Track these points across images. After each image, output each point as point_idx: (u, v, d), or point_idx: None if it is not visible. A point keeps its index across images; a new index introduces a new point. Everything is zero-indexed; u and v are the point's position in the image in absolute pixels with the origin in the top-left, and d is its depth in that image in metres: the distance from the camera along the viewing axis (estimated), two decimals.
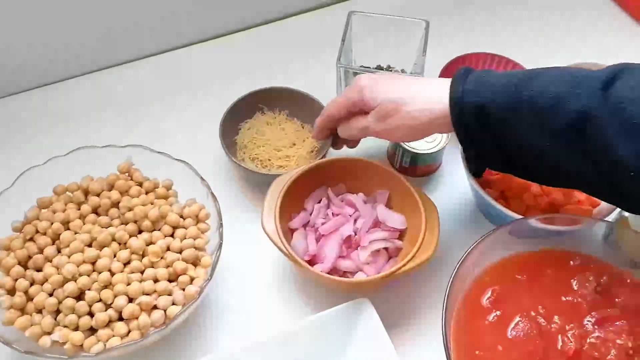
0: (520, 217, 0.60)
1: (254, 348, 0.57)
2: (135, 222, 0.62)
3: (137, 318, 0.56)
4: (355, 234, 0.64)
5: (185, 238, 0.61)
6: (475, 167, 0.61)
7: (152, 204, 0.64)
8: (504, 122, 0.50)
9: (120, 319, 0.56)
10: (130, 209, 0.62)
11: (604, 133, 0.45)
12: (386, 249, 0.64)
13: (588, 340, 0.51)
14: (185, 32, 0.88)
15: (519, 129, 0.50)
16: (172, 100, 0.83)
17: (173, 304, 0.57)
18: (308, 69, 0.85)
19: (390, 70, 0.82)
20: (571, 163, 0.49)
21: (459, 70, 0.55)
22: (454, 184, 0.74)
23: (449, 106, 0.53)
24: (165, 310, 0.57)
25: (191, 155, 0.67)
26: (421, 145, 0.72)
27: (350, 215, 0.66)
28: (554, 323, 0.53)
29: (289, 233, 0.65)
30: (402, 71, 0.81)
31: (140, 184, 0.66)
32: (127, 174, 0.67)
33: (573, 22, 0.93)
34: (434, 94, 0.55)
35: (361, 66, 0.82)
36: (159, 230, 0.62)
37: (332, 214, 0.66)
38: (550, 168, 0.51)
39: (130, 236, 0.61)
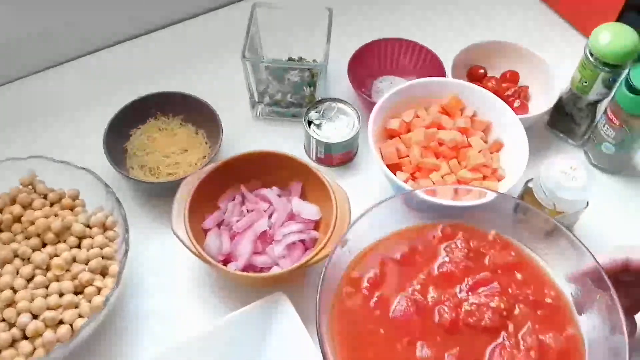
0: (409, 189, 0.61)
1: (172, 351, 0.56)
2: (38, 235, 0.60)
3: (41, 335, 0.54)
4: (270, 229, 0.64)
5: (92, 248, 0.60)
6: None
7: (56, 215, 0.62)
8: None
9: (25, 337, 0.54)
10: (32, 223, 0.60)
11: None
12: (303, 241, 0.64)
13: (463, 309, 0.51)
14: (89, 38, 0.85)
15: None
16: (75, 108, 0.79)
17: (80, 316, 0.56)
18: (217, 70, 0.84)
19: (302, 61, 0.81)
20: None
21: None
22: (372, 172, 0.74)
23: None
24: (72, 325, 0.55)
25: (96, 163, 0.65)
26: (332, 134, 0.72)
27: (264, 211, 0.65)
28: (430, 296, 0.52)
29: (203, 234, 0.64)
30: (314, 61, 0.81)
31: (45, 196, 0.64)
32: (30, 186, 0.64)
33: (481, 5, 0.95)
34: None
35: (273, 59, 0.82)
36: (64, 242, 0.60)
37: (247, 210, 0.66)
38: None
39: (34, 250, 0.59)
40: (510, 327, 0.51)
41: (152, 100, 0.73)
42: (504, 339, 0.50)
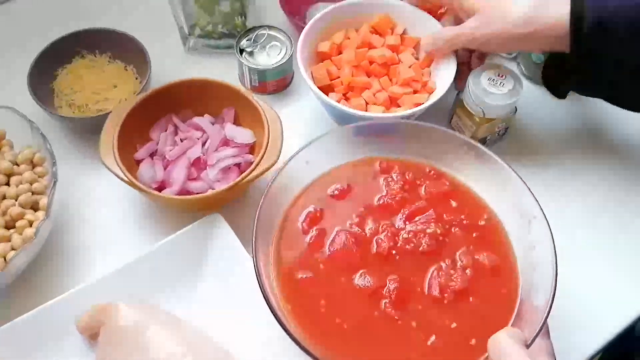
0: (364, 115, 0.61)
1: (110, 278, 0.56)
2: None
3: None
4: (204, 155, 0.64)
5: (21, 184, 0.59)
6: (565, 87, 0.61)
7: None
8: (623, 40, 0.51)
9: None
10: None
11: None
12: (239, 165, 0.64)
13: (401, 237, 0.52)
14: None
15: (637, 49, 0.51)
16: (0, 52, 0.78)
17: (13, 249, 0.55)
18: (147, 3, 0.82)
19: None
20: None
21: None
22: (308, 98, 0.74)
23: (567, 17, 0.53)
24: (5, 257, 0.55)
25: (24, 105, 0.64)
26: (265, 61, 0.71)
27: (198, 139, 0.65)
28: (368, 228, 0.54)
29: (135, 165, 0.63)
30: None
31: None
32: None
33: None
34: (547, 1, 0.55)
35: None
36: None
37: (180, 140, 0.65)
38: None
39: None
40: (447, 249, 0.53)
41: (77, 38, 0.71)
42: (441, 262, 0.52)
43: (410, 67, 0.68)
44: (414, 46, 0.70)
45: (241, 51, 0.72)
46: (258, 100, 0.64)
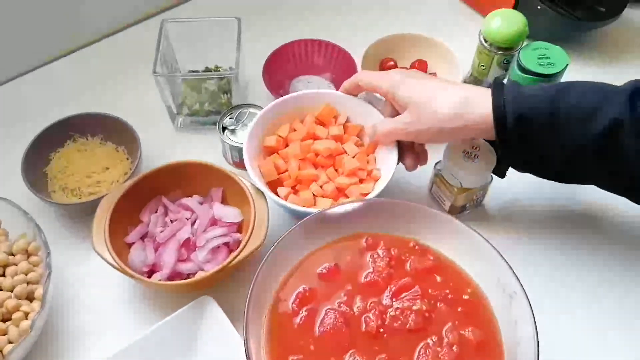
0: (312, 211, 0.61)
1: None
2: None
3: None
4: (194, 236, 0.66)
5: (16, 274, 0.61)
6: (502, 169, 0.65)
7: None
8: (542, 129, 0.56)
9: None
10: None
11: (630, 140, 0.54)
12: (227, 244, 0.66)
13: (388, 315, 0.54)
14: (3, 66, 0.86)
15: (556, 137, 0.56)
16: None
17: (10, 342, 0.57)
18: (137, 86, 0.85)
19: (219, 70, 0.84)
20: (601, 166, 0.57)
21: (494, 82, 0.59)
22: None
23: (491, 113, 0.58)
24: (1, 351, 0.56)
25: (17, 190, 0.67)
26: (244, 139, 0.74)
27: (187, 219, 0.67)
28: (356, 307, 0.55)
29: (127, 248, 0.65)
30: (230, 69, 0.83)
31: None
32: None
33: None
34: (472, 99, 0.59)
35: (189, 71, 0.84)
36: None
37: (170, 221, 0.68)
38: (578, 169, 0.59)
39: None
40: (433, 326, 0.54)
41: (69, 123, 0.74)
42: (428, 339, 0.53)
43: (354, 156, 0.69)
44: (358, 133, 0.72)
45: (224, 129, 0.75)
46: (243, 179, 0.67)
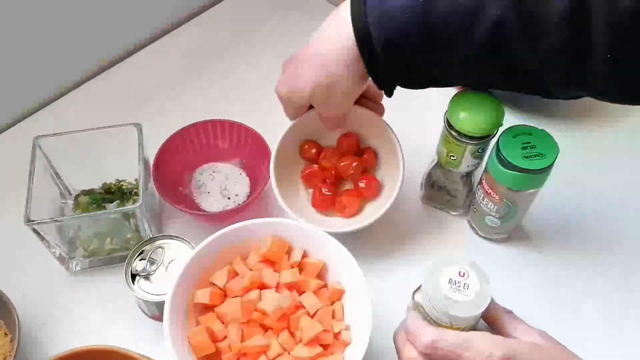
0: None
1: None
2: None
3: None
4: None
5: None
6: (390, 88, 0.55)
7: None
8: (415, 51, 0.48)
9: None
10: None
11: (517, 34, 0.45)
12: None
13: None
14: None
15: (435, 55, 0.49)
16: None
17: None
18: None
19: (120, 184, 0.65)
20: (494, 68, 0.49)
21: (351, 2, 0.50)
22: None
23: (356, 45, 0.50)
24: None
25: None
26: (165, 285, 0.56)
27: None
28: None
29: None
30: (135, 181, 0.64)
31: None
32: None
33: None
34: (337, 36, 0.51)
35: (82, 190, 0.65)
36: None
37: None
38: (471, 76, 0.52)
39: None
40: None
41: None
42: None
43: (315, 313, 0.52)
44: (318, 274, 0.55)
45: (134, 276, 0.56)
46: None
